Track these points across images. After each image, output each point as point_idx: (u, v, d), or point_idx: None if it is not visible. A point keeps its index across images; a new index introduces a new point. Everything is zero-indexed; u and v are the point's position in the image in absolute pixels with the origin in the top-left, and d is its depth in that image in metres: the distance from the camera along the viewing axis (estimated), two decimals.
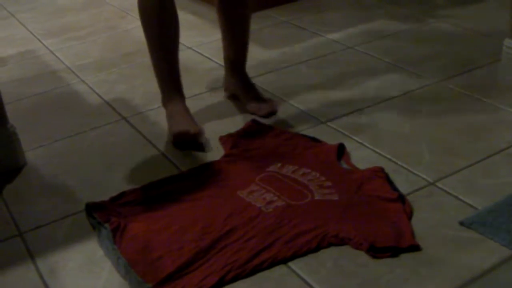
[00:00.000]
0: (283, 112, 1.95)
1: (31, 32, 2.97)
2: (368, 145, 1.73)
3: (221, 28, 1.99)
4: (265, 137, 1.79)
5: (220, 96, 2.09)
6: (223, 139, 1.80)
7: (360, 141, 1.76)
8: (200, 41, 2.59)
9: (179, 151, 1.79)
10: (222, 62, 2.08)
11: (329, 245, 1.35)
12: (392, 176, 1.56)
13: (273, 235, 1.37)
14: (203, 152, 1.77)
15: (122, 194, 1.57)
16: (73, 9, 3.27)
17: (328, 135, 1.79)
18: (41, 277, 1.35)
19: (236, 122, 1.91)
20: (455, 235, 1.34)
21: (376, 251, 1.31)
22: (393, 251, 1.31)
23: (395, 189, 1.50)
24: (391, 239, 1.33)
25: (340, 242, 1.35)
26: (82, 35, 2.85)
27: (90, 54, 2.61)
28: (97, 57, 2.57)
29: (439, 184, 1.52)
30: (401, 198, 1.45)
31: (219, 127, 1.89)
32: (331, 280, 1.26)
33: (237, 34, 1.98)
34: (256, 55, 2.36)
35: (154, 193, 1.58)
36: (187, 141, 1.79)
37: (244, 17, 1.95)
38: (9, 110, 1.80)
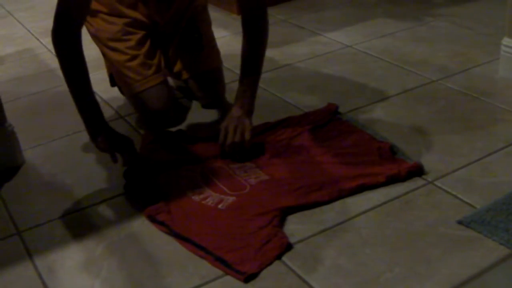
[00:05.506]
0: (281, 110, 1.95)
1: (29, 31, 2.97)
2: None
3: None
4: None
5: None
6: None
7: None
8: None
9: None
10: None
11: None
12: None
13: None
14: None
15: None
16: None
17: None
18: (40, 275, 1.35)
19: None
20: (454, 234, 1.35)
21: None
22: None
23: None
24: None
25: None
26: None
27: (87, 52, 2.57)
28: (95, 55, 2.55)
29: (437, 183, 1.52)
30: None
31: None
32: (329, 279, 1.26)
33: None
34: None
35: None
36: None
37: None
38: (7, 109, 1.79)
